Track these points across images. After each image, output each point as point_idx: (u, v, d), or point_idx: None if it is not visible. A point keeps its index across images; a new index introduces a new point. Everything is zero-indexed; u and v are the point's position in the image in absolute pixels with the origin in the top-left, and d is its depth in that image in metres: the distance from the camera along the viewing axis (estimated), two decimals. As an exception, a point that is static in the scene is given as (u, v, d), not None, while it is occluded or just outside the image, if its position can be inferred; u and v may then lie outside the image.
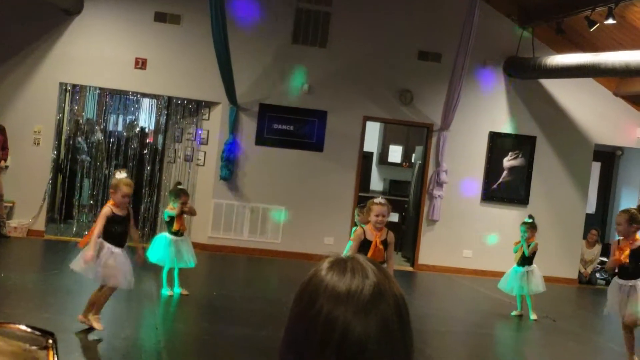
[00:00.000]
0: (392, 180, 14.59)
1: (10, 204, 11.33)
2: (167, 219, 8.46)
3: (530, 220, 9.46)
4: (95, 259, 6.44)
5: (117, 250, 6.56)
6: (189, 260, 8.55)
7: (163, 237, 8.46)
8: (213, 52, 10.52)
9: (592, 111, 12.82)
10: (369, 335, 1.19)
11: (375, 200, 6.68)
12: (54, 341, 0.65)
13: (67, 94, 12.20)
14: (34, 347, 0.64)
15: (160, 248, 8.32)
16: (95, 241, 6.47)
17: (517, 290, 9.33)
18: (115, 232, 6.59)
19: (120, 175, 6.70)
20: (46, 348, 0.66)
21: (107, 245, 6.53)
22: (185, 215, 8.53)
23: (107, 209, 6.61)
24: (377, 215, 6.52)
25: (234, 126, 11.91)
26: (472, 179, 12.62)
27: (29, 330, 0.67)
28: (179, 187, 8.76)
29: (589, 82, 12.61)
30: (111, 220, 6.54)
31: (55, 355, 0.65)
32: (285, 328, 1.27)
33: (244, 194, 12.06)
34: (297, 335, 1.23)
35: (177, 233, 8.45)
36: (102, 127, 12.73)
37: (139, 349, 6.49)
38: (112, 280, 6.58)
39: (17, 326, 0.67)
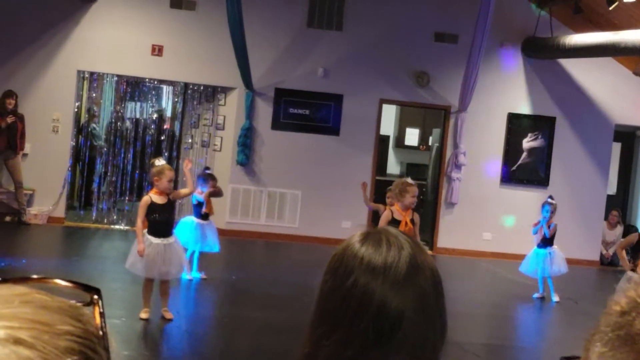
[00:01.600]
0: (409, 164, 14.52)
1: (31, 192, 11.41)
2: (195, 202, 8.49)
3: (554, 201, 9.39)
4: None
5: (157, 241, 6.53)
6: (214, 244, 8.59)
7: (189, 220, 8.47)
8: (229, 37, 10.50)
9: (611, 91, 12.68)
10: (405, 307, 1.19)
11: (409, 181, 6.70)
12: (100, 297, 0.64)
13: (85, 81, 12.23)
14: (79, 304, 0.62)
15: (186, 231, 8.33)
16: (141, 233, 6.46)
17: (539, 273, 9.28)
18: (156, 221, 6.54)
19: (160, 162, 6.71)
20: (91, 304, 0.64)
21: (147, 237, 6.52)
22: (212, 200, 8.57)
23: (146, 197, 6.59)
24: (413, 196, 6.62)
25: (250, 111, 11.90)
26: (491, 161, 12.54)
27: (72, 286, 0.65)
28: (207, 171, 8.79)
29: (608, 62, 12.46)
30: (151, 209, 6.51)
31: (101, 312, 0.63)
32: (316, 300, 1.26)
33: (260, 179, 12.07)
34: (331, 307, 1.22)
35: (205, 217, 8.48)
36: (120, 114, 12.75)
37: (159, 332, 6.52)
38: (155, 273, 6.55)
39: (61, 282, 0.65)
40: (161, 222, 6.59)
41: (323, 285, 1.26)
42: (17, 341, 0.50)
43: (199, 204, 8.43)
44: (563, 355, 0.91)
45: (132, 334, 6.41)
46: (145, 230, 6.56)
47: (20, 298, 0.55)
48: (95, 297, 0.65)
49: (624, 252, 8.11)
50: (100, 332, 0.60)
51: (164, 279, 6.69)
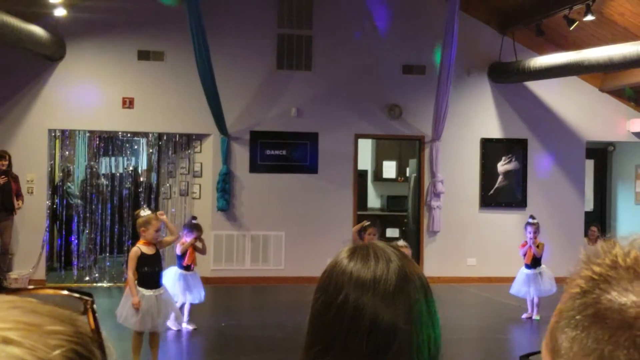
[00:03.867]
0: (389, 196, 14.57)
1: (10, 255, 11.24)
2: (178, 253, 8.37)
3: (535, 220, 9.44)
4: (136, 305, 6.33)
5: (149, 292, 6.44)
6: (199, 294, 8.47)
7: (172, 271, 8.36)
8: (199, 84, 10.55)
9: (580, 109, 12.88)
10: (398, 319, 1.19)
11: (401, 243, 6.79)
12: (92, 303, 0.63)
13: (57, 139, 12.18)
14: (72, 311, 0.61)
15: (169, 282, 8.23)
16: (134, 285, 6.36)
17: (529, 293, 9.28)
18: (146, 273, 6.46)
19: (145, 212, 6.65)
20: (85, 311, 0.63)
21: (138, 289, 6.42)
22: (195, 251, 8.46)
23: (135, 249, 6.49)
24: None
25: (226, 156, 11.91)
26: (469, 187, 12.63)
27: (66, 293, 0.65)
28: (194, 221, 8.68)
29: (574, 81, 12.69)
30: (141, 261, 6.43)
31: (94, 318, 0.63)
32: (309, 320, 1.26)
33: (242, 223, 12.02)
34: (324, 325, 1.22)
35: (187, 268, 8.36)
36: (94, 170, 12.68)
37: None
38: (148, 325, 6.44)
39: (55, 291, 0.65)
40: (151, 273, 6.51)
41: (314, 304, 1.25)
42: (6, 340, 0.50)
43: (182, 254, 8.34)
44: (522, 354, 0.90)
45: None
46: (135, 282, 6.48)
47: (9, 304, 0.55)
48: (89, 302, 0.64)
49: None
50: (96, 335, 0.59)
51: (155, 331, 6.58)
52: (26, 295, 0.63)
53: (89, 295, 0.66)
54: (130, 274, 6.41)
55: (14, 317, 0.53)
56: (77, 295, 0.66)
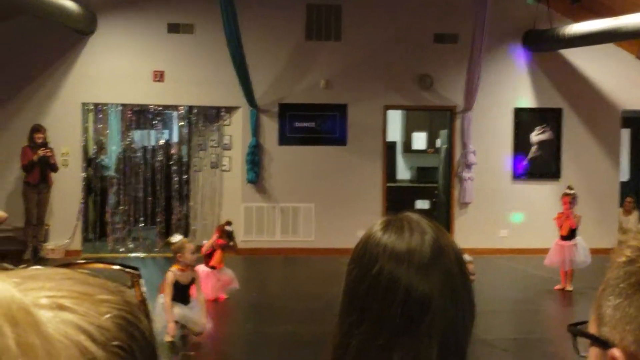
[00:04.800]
0: (419, 168, 14.52)
1: (46, 227, 11.45)
2: (204, 252, 8.32)
3: (573, 191, 9.35)
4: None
5: (178, 307, 6.57)
6: (232, 286, 8.51)
7: (201, 270, 8.10)
8: (228, 57, 10.56)
9: (616, 77, 12.64)
10: (433, 290, 1.20)
11: (467, 258, 6.64)
12: (139, 277, 0.64)
13: (90, 113, 12.31)
14: (120, 284, 0.63)
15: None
16: (170, 311, 6.41)
17: (564, 265, 9.22)
18: (176, 295, 6.55)
19: (176, 238, 6.73)
20: (132, 285, 0.65)
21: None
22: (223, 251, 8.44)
23: (170, 274, 6.55)
24: None
25: (255, 128, 11.93)
26: (501, 157, 12.52)
27: (116, 268, 0.67)
28: (227, 227, 8.68)
29: (610, 48, 12.44)
30: (175, 287, 6.52)
31: (142, 289, 0.64)
32: (343, 291, 1.27)
33: (272, 195, 12.08)
34: (358, 297, 1.23)
35: (212, 268, 8.37)
36: (127, 142, 12.80)
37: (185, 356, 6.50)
38: (178, 331, 6.53)
39: (105, 265, 0.67)
40: (183, 296, 6.62)
41: (348, 275, 1.26)
42: (60, 307, 0.53)
43: (208, 255, 8.35)
44: (570, 323, 0.90)
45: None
46: (163, 295, 6.57)
47: (63, 275, 0.58)
48: (136, 276, 0.66)
49: None
50: (142, 305, 0.61)
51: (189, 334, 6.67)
52: (78, 268, 0.66)
53: (136, 269, 0.67)
54: (168, 300, 6.43)
55: (67, 286, 0.56)
56: (125, 269, 0.68)
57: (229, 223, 8.98)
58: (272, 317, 7.92)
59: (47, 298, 0.54)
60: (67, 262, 0.67)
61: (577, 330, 0.86)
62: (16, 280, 0.54)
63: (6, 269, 0.57)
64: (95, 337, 0.53)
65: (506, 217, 12.41)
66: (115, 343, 0.54)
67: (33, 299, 0.53)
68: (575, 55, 12.52)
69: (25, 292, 0.53)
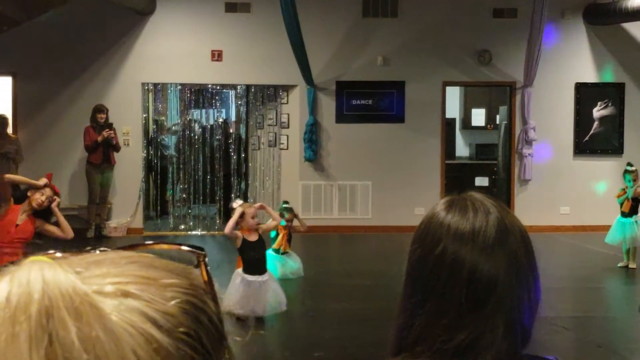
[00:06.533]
0: (478, 144, 14.33)
1: (109, 205, 11.72)
2: (273, 234, 8.30)
3: (634, 168, 9.13)
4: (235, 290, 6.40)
5: (252, 278, 6.50)
6: (298, 271, 8.48)
7: (270, 254, 7.87)
8: (285, 35, 10.57)
9: (682, 50, 12.21)
10: (498, 271, 1.19)
11: None
12: (205, 256, 0.65)
13: (150, 93, 12.51)
14: (186, 265, 0.64)
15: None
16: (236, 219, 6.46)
17: (625, 242, 9.03)
18: (250, 259, 6.54)
19: (237, 203, 6.75)
20: (198, 265, 0.65)
21: (241, 276, 6.52)
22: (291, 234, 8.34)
23: (239, 234, 6.56)
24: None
25: (313, 107, 11.95)
26: (563, 133, 12.27)
27: (182, 248, 0.67)
28: (285, 205, 8.63)
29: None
30: (245, 247, 6.52)
31: (207, 271, 0.65)
32: (406, 271, 1.26)
33: (329, 173, 12.11)
34: (421, 277, 1.22)
35: (278, 251, 8.33)
36: (186, 122, 12.98)
37: (244, 330, 6.60)
38: (247, 309, 6.40)
39: (169, 246, 0.67)
40: (256, 258, 6.56)
41: (411, 256, 1.26)
42: (125, 294, 0.52)
43: (275, 236, 8.27)
44: None
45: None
46: (240, 270, 6.58)
47: (127, 259, 0.57)
48: (202, 256, 0.66)
49: None
50: (208, 287, 0.61)
51: (260, 315, 6.58)
52: (142, 250, 0.65)
53: (201, 249, 0.68)
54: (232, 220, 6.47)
55: (132, 271, 0.54)
56: (190, 249, 0.68)
57: (286, 202, 9.01)
58: (330, 294, 7.97)
59: (111, 285, 0.53)
60: (131, 243, 0.68)
61: None
62: (79, 269, 0.53)
63: (67, 257, 0.56)
64: (161, 324, 0.52)
65: (568, 194, 12.18)
66: (182, 329, 0.53)
67: (97, 287, 0.52)
68: (638, 29, 12.13)
69: (89, 280, 0.52)
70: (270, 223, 7.20)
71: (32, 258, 0.53)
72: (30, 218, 5.63)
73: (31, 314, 0.49)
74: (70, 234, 5.77)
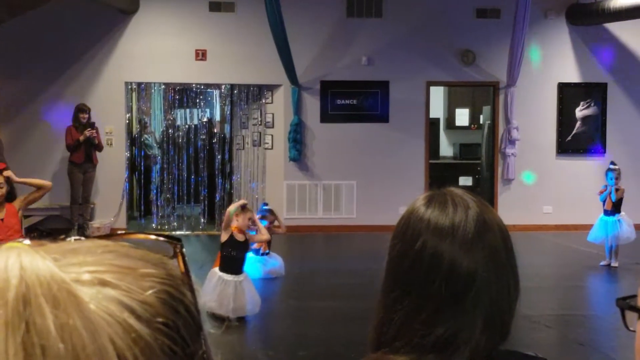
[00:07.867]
0: (462, 144, 14.39)
1: (92, 205, 11.65)
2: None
3: (617, 166, 9.20)
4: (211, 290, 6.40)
5: (229, 277, 6.54)
6: (279, 270, 8.58)
7: (250, 257, 8.01)
8: (270, 35, 10.56)
9: (663, 50, 12.33)
10: (477, 266, 1.19)
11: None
12: (182, 247, 0.65)
13: (133, 92, 12.45)
14: (163, 255, 0.63)
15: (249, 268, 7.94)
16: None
17: (607, 241, 9.10)
18: (230, 257, 6.58)
19: (235, 205, 6.80)
20: (175, 255, 0.65)
21: (218, 275, 6.56)
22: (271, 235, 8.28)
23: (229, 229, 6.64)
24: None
25: (297, 106, 11.95)
26: (545, 133, 12.34)
27: (154, 238, 0.66)
28: (265, 207, 8.69)
29: (657, 21, 12.11)
30: (229, 243, 6.58)
31: (184, 262, 0.64)
32: (386, 267, 1.26)
33: (314, 173, 12.11)
34: (401, 272, 1.22)
35: (258, 251, 8.39)
36: (170, 121, 12.94)
37: (230, 330, 6.59)
38: (227, 310, 6.44)
39: (145, 235, 0.66)
40: (235, 259, 6.61)
41: (391, 251, 1.25)
42: (103, 282, 0.52)
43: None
44: (618, 297, 0.88)
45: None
46: (216, 269, 6.61)
47: (104, 248, 0.56)
48: (178, 246, 0.66)
49: None
50: (186, 277, 0.61)
51: (239, 316, 6.62)
52: (118, 240, 0.64)
53: (178, 240, 0.67)
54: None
55: (109, 260, 0.54)
56: (166, 239, 0.68)
57: (265, 203, 9.06)
58: (315, 294, 7.98)
59: (89, 273, 0.52)
60: (108, 233, 0.67)
61: (626, 304, 0.85)
62: (56, 256, 0.52)
63: (43, 245, 0.55)
64: (139, 314, 0.51)
65: (550, 193, 12.26)
66: (160, 319, 0.52)
67: (75, 276, 0.51)
68: (620, 29, 12.24)
69: (66, 268, 0.51)
70: (258, 236, 7.25)
71: (9, 244, 0.52)
72: (6, 207, 5.68)
73: (8, 300, 0.48)
74: (48, 183, 5.98)
